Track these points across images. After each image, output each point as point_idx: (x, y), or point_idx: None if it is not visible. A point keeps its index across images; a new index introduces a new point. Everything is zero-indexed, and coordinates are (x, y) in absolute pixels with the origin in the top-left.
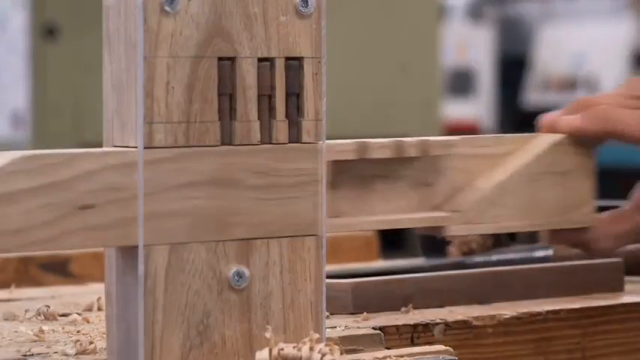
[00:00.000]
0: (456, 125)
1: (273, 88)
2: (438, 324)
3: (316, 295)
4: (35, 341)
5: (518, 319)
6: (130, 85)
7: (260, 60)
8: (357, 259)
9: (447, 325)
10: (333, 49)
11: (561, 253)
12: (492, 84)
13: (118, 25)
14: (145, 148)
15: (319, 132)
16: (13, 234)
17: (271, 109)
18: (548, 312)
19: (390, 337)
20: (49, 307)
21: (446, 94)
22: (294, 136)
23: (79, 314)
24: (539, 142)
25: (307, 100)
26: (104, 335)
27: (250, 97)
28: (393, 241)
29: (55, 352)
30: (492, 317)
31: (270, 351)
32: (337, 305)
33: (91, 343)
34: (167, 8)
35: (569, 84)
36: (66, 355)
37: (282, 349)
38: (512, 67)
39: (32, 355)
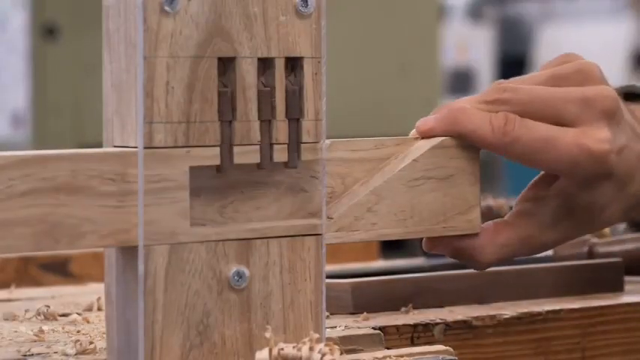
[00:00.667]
0: None
1: (273, 88)
2: (438, 324)
3: (316, 295)
4: (35, 341)
5: (518, 319)
6: (129, 85)
7: (260, 60)
8: (356, 259)
9: (447, 325)
10: (333, 49)
11: (561, 253)
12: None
13: (117, 25)
14: (144, 148)
15: (319, 132)
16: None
17: (271, 109)
18: (548, 312)
19: (390, 337)
20: (49, 307)
21: (446, 94)
22: (294, 136)
23: (79, 314)
24: (420, 146)
25: (307, 100)
26: (104, 335)
27: (250, 97)
28: (392, 241)
29: (55, 352)
30: (492, 317)
31: (270, 351)
32: (337, 305)
33: (91, 343)
34: (167, 8)
35: None
36: (66, 355)
37: (282, 349)
38: (512, 67)
39: (32, 355)
